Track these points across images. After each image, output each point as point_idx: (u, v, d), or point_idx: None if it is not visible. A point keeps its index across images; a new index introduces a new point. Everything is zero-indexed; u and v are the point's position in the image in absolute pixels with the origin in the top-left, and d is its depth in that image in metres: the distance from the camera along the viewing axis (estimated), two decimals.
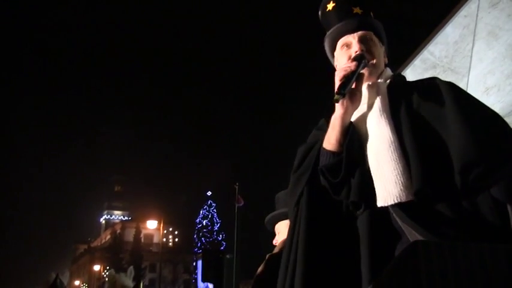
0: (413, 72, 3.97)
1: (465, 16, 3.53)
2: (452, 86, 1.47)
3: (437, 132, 1.34)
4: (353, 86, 1.47)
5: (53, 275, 5.82)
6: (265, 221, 2.34)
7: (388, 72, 1.64)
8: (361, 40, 1.58)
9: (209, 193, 47.09)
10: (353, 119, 1.51)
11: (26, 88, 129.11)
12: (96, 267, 49.95)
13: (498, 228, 1.13)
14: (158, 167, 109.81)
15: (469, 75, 3.97)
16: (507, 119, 4.99)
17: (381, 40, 1.65)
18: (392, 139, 1.38)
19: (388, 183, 1.34)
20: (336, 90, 1.43)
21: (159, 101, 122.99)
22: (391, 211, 1.33)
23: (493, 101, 4.42)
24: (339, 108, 1.48)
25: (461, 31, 3.64)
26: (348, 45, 1.61)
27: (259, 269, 1.98)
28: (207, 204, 46.34)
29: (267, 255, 2.05)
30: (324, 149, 1.48)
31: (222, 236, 44.70)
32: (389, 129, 1.40)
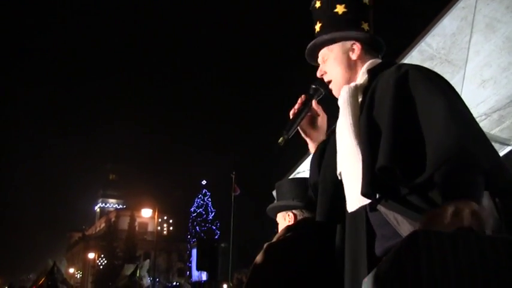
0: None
1: (463, 8, 3.53)
2: (417, 71, 1.45)
3: (407, 121, 1.34)
4: (303, 122, 1.76)
5: (50, 262, 5.82)
6: (267, 210, 2.36)
7: (364, 67, 1.64)
8: (322, 61, 1.74)
9: (204, 182, 47.10)
10: (337, 131, 1.62)
11: (22, 78, 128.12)
12: (91, 255, 50.02)
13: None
14: (153, 155, 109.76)
15: (465, 67, 3.98)
16: (502, 112, 5.01)
17: (335, 41, 1.68)
18: (353, 150, 1.45)
19: (352, 189, 1.45)
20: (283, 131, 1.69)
21: (155, 91, 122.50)
22: (368, 209, 1.40)
23: (489, 94, 4.43)
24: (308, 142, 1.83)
25: (459, 23, 3.64)
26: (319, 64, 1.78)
27: (258, 258, 1.99)
28: (201, 193, 46.37)
29: (265, 245, 2.06)
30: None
31: (217, 225, 44.82)
32: (351, 139, 1.48)
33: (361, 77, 1.61)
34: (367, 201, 1.37)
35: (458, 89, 4.61)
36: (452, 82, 4.63)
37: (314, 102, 1.78)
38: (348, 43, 1.67)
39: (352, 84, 1.59)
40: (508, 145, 5.30)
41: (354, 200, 1.44)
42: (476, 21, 3.59)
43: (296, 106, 1.75)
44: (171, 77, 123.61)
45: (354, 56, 1.66)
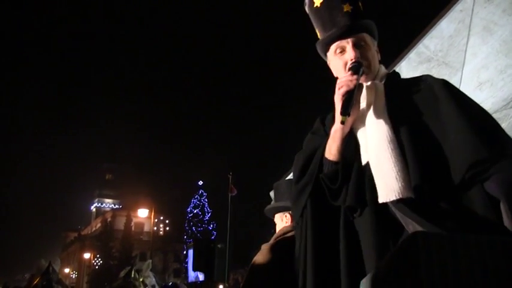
0: (408, 66, 3.99)
1: (461, 11, 3.55)
2: (445, 84, 1.51)
3: (433, 130, 1.38)
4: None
5: (43, 262, 5.78)
6: (265, 210, 2.37)
7: (382, 69, 1.68)
8: (355, 45, 1.59)
9: (200, 183, 47.10)
10: (367, 121, 1.56)
11: (17, 78, 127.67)
12: (86, 255, 49.85)
13: (492, 222, 1.16)
14: (150, 155, 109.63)
15: (463, 69, 4.00)
16: (498, 114, 5.05)
17: (373, 38, 1.67)
18: (390, 137, 1.43)
19: (389, 180, 1.39)
20: (340, 111, 1.49)
21: (152, 91, 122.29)
22: (392, 208, 1.38)
23: (486, 96, 4.45)
24: (338, 119, 1.52)
25: (456, 25, 3.66)
26: (342, 50, 1.63)
27: (255, 259, 2.00)
28: (198, 194, 46.37)
29: (262, 245, 2.06)
30: (326, 159, 1.55)
31: (213, 226, 44.81)
32: (387, 128, 1.46)
33: (380, 79, 1.63)
34: (403, 193, 1.34)
35: None
36: None
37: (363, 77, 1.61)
38: (374, 40, 1.69)
39: (381, 82, 1.61)
40: None
41: (392, 189, 1.37)
42: (473, 24, 3.61)
43: (350, 87, 1.51)
44: (169, 76, 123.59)
45: (377, 53, 1.69)
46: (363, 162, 1.51)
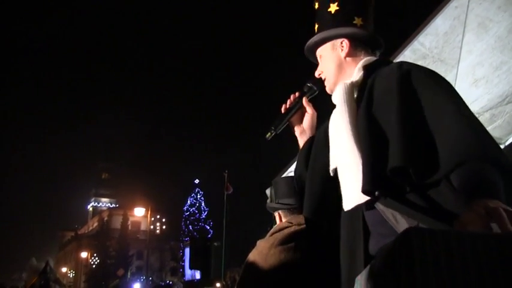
0: None
1: (456, 7, 3.54)
2: (418, 70, 1.46)
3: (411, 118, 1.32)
4: (292, 118, 1.82)
5: (34, 261, 5.76)
6: (266, 206, 2.37)
7: (359, 65, 1.64)
8: (319, 60, 1.77)
9: (197, 181, 47.05)
10: (331, 128, 1.61)
11: (16, 74, 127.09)
12: (83, 254, 49.76)
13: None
14: (146, 154, 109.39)
15: (458, 66, 4.00)
16: (494, 111, 5.05)
17: (335, 39, 1.69)
18: (349, 143, 1.44)
19: (349, 187, 1.43)
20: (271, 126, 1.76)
21: (148, 90, 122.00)
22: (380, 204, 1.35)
23: (481, 93, 4.46)
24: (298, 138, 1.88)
25: (451, 22, 3.66)
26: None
27: (250, 256, 1.99)
28: (194, 192, 46.31)
29: (258, 242, 2.06)
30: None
31: (210, 224, 44.77)
32: (346, 134, 1.46)
33: (357, 73, 1.60)
34: (365, 198, 1.35)
35: None
36: None
37: (305, 100, 1.81)
38: (338, 41, 1.68)
39: (348, 81, 1.59)
40: (500, 144, 5.35)
41: (352, 197, 1.42)
42: (468, 21, 3.61)
43: (288, 102, 1.81)
44: (164, 76, 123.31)
45: (342, 54, 1.67)
46: (331, 167, 1.54)
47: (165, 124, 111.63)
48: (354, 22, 1.67)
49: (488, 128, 5.10)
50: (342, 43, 1.67)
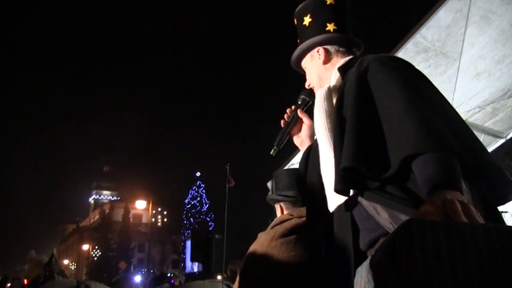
0: (405, 56, 3.96)
1: (458, 0, 3.52)
2: (377, 63, 1.44)
3: (369, 115, 1.33)
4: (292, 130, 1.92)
5: (34, 253, 5.79)
6: (266, 199, 2.38)
7: (331, 73, 1.68)
8: (306, 71, 1.84)
9: (198, 174, 47.13)
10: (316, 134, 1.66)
11: (18, 66, 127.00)
12: (85, 247, 50.01)
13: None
14: (147, 147, 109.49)
15: (460, 59, 3.98)
16: (496, 104, 5.03)
17: (313, 47, 1.76)
18: (327, 147, 1.48)
19: (329, 189, 1.46)
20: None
21: (150, 83, 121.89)
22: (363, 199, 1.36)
23: (483, 86, 4.45)
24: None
25: (454, 15, 3.64)
26: None
27: (251, 248, 2.00)
28: (195, 185, 46.41)
29: (259, 234, 2.06)
30: None
31: (211, 217, 44.93)
32: (324, 139, 1.51)
33: (334, 77, 1.65)
34: (343, 198, 1.39)
35: (452, 82, 4.62)
36: (446, 74, 4.64)
37: (299, 111, 1.92)
38: (314, 50, 1.76)
39: (326, 86, 1.64)
40: (501, 138, 5.33)
41: (333, 199, 1.47)
42: (471, 14, 3.59)
43: (285, 117, 1.92)
44: (166, 69, 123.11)
45: (320, 61, 1.74)
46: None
47: (167, 117, 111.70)
48: (327, 29, 1.74)
49: (490, 122, 5.11)
50: (318, 51, 1.75)
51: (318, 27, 1.75)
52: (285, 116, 1.92)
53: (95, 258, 46.25)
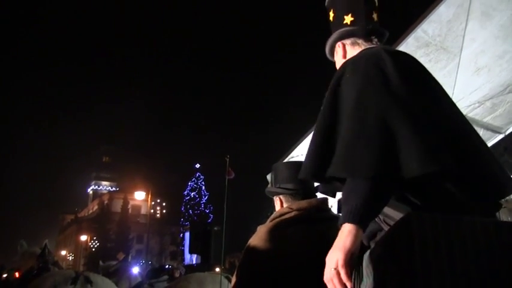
0: (406, 50, 3.95)
1: None
2: (345, 71, 1.47)
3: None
4: None
5: (24, 244, 5.73)
6: (266, 191, 2.37)
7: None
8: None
9: (197, 165, 47.11)
10: None
11: (18, 56, 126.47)
12: (83, 238, 50.06)
13: None
14: (147, 138, 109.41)
15: (461, 54, 3.98)
16: (495, 100, 5.02)
17: (336, 41, 1.75)
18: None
19: None
20: None
21: (149, 72, 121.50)
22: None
23: (483, 82, 4.45)
24: None
25: (455, 10, 3.63)
26: None
27: (251, 240, 2.01)
28: (195, 177, 46.40)
29: (258, 227, 2.07)
30: None
31: (210, 209, 44.97)
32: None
33: None
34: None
35: (452, 77, 4.60)
36: (447, 69, 4.63)
37: None
38: (336, 46, 1.77)
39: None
40: (500, 133, 5.35)
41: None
42: (472, 9, 3.58)
43: None
44: (167, 60, 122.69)
45: (340, 56, 1.74)
46: None
47: (168, 108, 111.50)
48: (344, 22, 1.74)
49: (489, 117, 5.11)
50: (338, 46, 1.76)
51: (338, 21, 1.76)
52: None
53: (93, 249, 46.30)
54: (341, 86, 1.39)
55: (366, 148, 1.13)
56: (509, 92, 4.59)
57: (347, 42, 1.73)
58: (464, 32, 3.78)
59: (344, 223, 1.06)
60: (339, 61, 1.75)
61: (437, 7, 3.61)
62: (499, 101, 4.71)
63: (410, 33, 3.87)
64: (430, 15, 3.68)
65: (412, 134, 1.12)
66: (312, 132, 1.42)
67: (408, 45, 3.92)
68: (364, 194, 1.06)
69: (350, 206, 1.07)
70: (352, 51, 1.70)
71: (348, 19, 1.73)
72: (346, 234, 1.04)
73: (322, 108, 1.40)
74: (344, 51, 1.73)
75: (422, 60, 4.16)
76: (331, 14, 1.78)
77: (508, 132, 5.31)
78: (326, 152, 1.25)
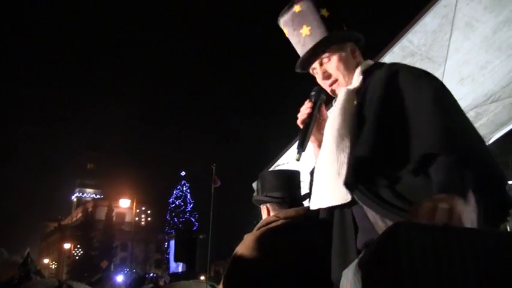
0: (391, 60, 4.00)
1: (445, 6, 3.57)
2: (408, 71, 1.51)
3: (392, 117, 1.37)
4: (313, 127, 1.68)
5: (5, 253, 5.62)
6: (252, 200, 2.36)
7: (361, 68, 1.66)
8: (321, 65, 1.69)
9: (183, 173, 46.89)
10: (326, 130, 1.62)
11: None
12: (67, 246, 49.34)
13: None
14: (133, 145, 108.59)
15: (445, 64, 4.04)
16: (478, 109, 5.10)
17: (343, 41, 1.70)
18: (333, 146, 1.49)
19: (320, 189, 1.50)
20: (297, 147, 1.61)
21: (135, 79, 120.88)
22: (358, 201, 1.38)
23: (467, 91, 4.52)
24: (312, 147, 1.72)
25: (440, 20, 3.69)
26: (315, 69, 1.73)
27: (237, 249, 1.99)
28: (180, 184, 46.15)
29: (245, 236, 2.06)
30: None
31: (195, 217, 44.72)
32: (337, 135, 1.50)
33: (357, 79, 1.63)
34: (342, 197, 1.40)
35: None
36: None
37: (323, 107, 1.76)
38: (347, 44, 1.70)
39: (350, 87, 1.62)
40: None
41: (326, 196, 1.48)
42: (456, 20, 3.64)
43: (304, 116, 1.68)
44: (153, 66, 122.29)
45: (354, 57, 1.69)
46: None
47: (154, 115, 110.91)
48: (344, 28, 1.75)
49: None
50: (352, 46, 1.74)
51: (339, 23, 1.74)
52: (304, 115, 1.68)
53: (77, 258, 45.64)
54: (400, 85, 1.42)
55: (465, 137, 1.23)
56: (492, 102, 4.66)
57: (357, 47, 1.72)
58: (449, 43, 3.83)
59: (449, 194, 1.06)
60: (347, 60, 1.68)
61: (422, 17, 3.66)
62: (482, 111, 4.78)
63: (396, 42, 3.91)
64: (415, 25, 3.73)
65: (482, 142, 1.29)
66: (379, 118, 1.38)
67: (394, 55, 3.97)
68: (466, 175, 1.15)
69: (456, 180, 1.12)
70: (360, 59, 1.71)
71: (345, 27, 1.73)
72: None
73: (373, 99, 1.42)
74: (354, 53, 1.70)
75: None
76: (324, 12, 1.69)
77: (491, 141, 5.39)
78: (389, 137, 1.29)
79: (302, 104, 1.80)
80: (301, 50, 1.71)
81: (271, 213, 2.18)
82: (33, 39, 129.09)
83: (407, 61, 4.03)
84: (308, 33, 1.67)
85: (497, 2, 3.46)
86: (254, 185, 2.38)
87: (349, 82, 1.65)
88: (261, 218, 2.26)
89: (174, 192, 45.74)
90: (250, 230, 2.18)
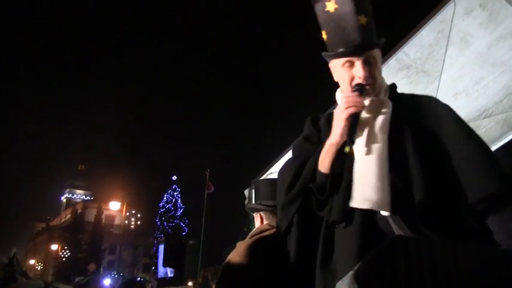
0: (387, 71, 4.04)
1: (441, 21, 3.62)
2: (450, 109, 1.65)
3: (438, 150, 1.46)
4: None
5: None
6: (246, 207, 2.37)
7: (384, 83, 1.68)
8: (365, 62, 1.58)
9: (174, 177, 46.69)
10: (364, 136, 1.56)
11: None
12: (54, 247, 48.86)
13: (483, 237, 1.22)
14: (125, 147, 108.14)
15: (440, 78, 4.08)
16: (472, 124, 5.15)
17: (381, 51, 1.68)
18: (382, 152, 1.48)
19: (366, 189, 1.44)
20: (346, 139, 1.49)
21: (129, 81, 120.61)
22: (389, 219, 1.38)
23: (461, 106, 4.55)
24: (336, 136, 1.52)
25: (436, 35, 3.73)
26: (351, 64, 1.60)
27: (230, 257, 1.99)
28: (171, 189, 45.92)
29: (238, 244, 2.06)
30: (319, 171, 1.56)
31: (185, 222, 44.45)
32: (382, 144, 1.50)
33: (384, 93, 1.64)
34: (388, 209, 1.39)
35: None
36: (426, 92, 4.74)
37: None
38: (380, 54, 1.66)
39: (389, 101, 1.61)
40: None
41: (363, 199, 1.43)
42: (452, 35, 3.69)
43: (354, 110, 1.51)
44: (147, 68, 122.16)
45: (379, 67, 1.67)
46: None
47: (147, 118, 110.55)
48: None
49: None
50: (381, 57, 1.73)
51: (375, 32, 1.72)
52: (354, 108, 1.51)
53: (64, 259, 45.18)
54: (465, 123, 1.63)
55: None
56: (485, 117, 4.70)
57: None
58: (444, 57, 3.87)
59: None
60: (380, 68, 1.66)
61: (419, 31, 3.70)
62: (475, 126, 4.82)
63: (392, 54, 3.95)
64: (412, 38, 3.77)
65: None
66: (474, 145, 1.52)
67: (390, 67, 4.00)
68: None
69: None
70: None
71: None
72: None
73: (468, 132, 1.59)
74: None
75: (404, 82, 4.26)
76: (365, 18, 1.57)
77: None
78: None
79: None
80: (349, 31, 1.56)
81: (265, 221, 2.19)
82: (32, 39, 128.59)
83: (403, 74, 4.07)
84: (364, 23, 1.56)
85: (492, 19, 3.51)
86: (246, 192, 2.37)
87: (379, 93, 1.62)
88: (253, 225, 2.26)
89: (165, 196, 45.49)
90: (240, 237, 2.18)
